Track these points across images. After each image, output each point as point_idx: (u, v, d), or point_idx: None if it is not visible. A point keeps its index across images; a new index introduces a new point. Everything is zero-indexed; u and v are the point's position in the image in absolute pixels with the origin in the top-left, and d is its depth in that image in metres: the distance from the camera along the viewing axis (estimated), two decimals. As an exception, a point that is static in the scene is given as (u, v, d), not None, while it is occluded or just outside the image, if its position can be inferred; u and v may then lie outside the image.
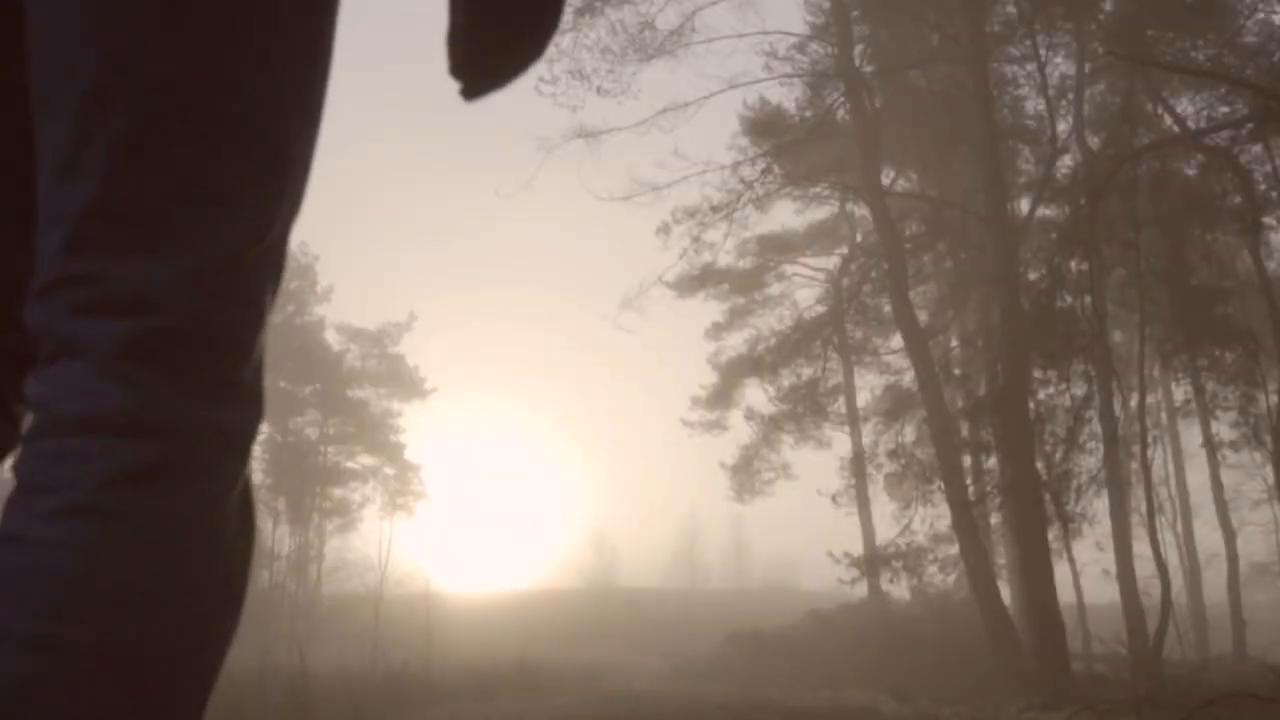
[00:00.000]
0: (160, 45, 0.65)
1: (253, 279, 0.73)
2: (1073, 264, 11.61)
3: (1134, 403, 12.98)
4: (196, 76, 0.66)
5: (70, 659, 0.60)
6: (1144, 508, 12.41)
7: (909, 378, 17.80)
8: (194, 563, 0.66)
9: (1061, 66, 16.16)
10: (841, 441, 22.58)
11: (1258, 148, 12.18)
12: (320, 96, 0.75)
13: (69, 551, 0.61)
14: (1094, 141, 15.01)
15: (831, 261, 23.59)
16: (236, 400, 0.69)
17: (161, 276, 0.66)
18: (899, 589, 18.40)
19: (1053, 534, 11.68)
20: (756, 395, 21.82)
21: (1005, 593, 15.94)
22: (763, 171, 16.02)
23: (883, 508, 19.74)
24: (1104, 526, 15.65)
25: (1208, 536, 26.70)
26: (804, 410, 20.42)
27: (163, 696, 0.65)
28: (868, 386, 23.12)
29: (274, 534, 31.38)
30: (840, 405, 22.55)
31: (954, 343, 18.40)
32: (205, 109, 0.67)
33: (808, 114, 16.96)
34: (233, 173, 0.68)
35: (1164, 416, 26.44)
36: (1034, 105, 17.00)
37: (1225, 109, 13.60)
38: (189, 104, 0.66)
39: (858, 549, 19.41)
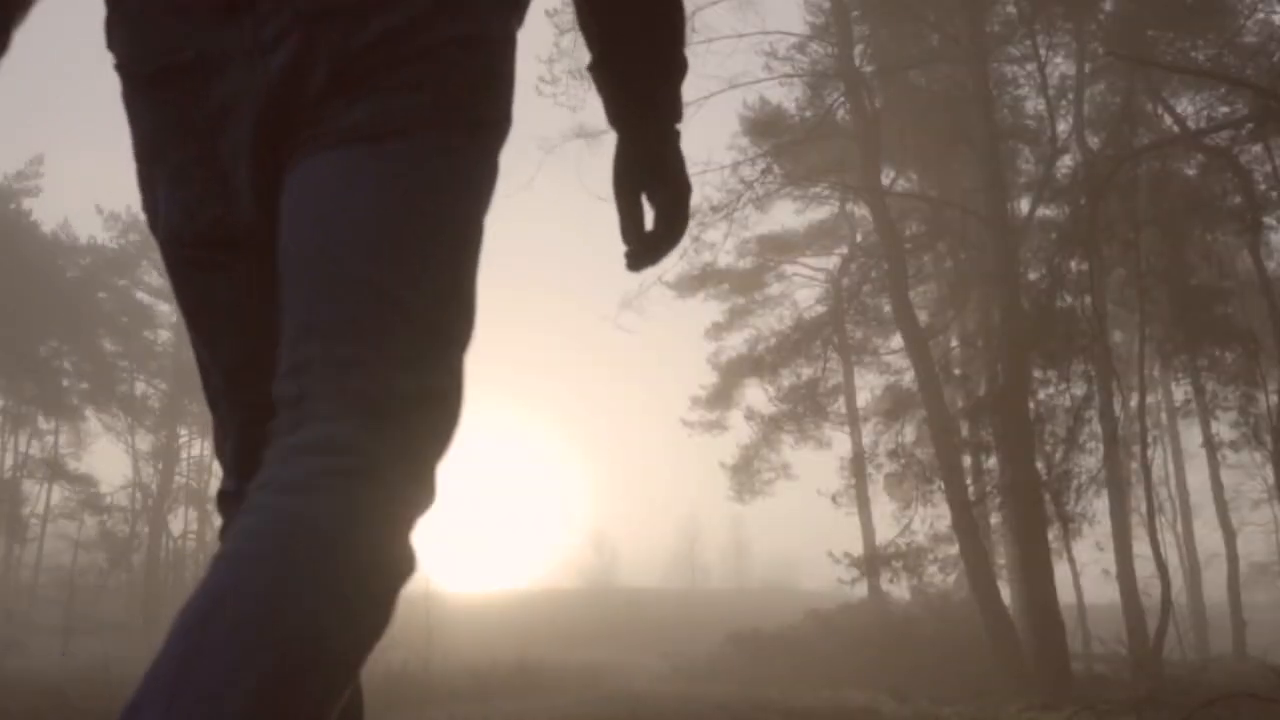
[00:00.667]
0: (411, 275, 0.89)
1: (460, 396, 0.92)
2: (1073, 264, 11.62)
3: (1134, 403, 12.98)
4: (431, 288, 0.92)
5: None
6: (1144, 508, 12.42)
7: (909, 378, 17.81)
8: (382, 549, 0.80)
9: (1061, 66, 16.18)
10: (841, 441, 22.59)
11: (1258, 148, 12.18)
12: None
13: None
14: (1094, 141, 15.02)
15: (831, 261, 23.60)
16: (431, 486, 0.86)
17: (410, 387, 0.86)
18: (899, 589, 18.41)
19: (1053, 534, 11.68)
20: (756, 395, 21.84)
21: (1005, 593, 15.94)
22: (763, 171, 16.02)
23: (883, 508, 19.75)
24: (1104, 526, 15.66)
25: (1208, 536, 26.72)
26: (804, 410, 20.41)
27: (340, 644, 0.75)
28: (868, 386, 23.14)
29: (274, 534, 31.29)
30: (840, 405, 22.56)
31: (954, 343, 18.40)
32: (437, 305, 0.92)
33: (808, 114, 16.96)
34: (459, 330, 0.94)
35: (1164, 416, 26.45)
36: (1034, 105, 17.02)
37: (1225, 109, 13.61)
38: (426, 304, 0.91)
39: (858, 549, 19.42)
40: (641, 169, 1.21)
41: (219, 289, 1.01)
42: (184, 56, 0.94)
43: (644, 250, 1.21)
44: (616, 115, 1.22)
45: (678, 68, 1.20)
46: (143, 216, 1.03)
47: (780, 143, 16.43)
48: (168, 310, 31.32)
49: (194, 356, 1.09)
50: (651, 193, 1.21)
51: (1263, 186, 12.29)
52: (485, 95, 0.98)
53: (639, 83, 1.19)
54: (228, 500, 1.09)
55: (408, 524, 0.83)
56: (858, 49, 16.18)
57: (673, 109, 1.21)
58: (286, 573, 0.73)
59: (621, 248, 1.19)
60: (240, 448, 1.05)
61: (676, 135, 1.21)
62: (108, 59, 1.09)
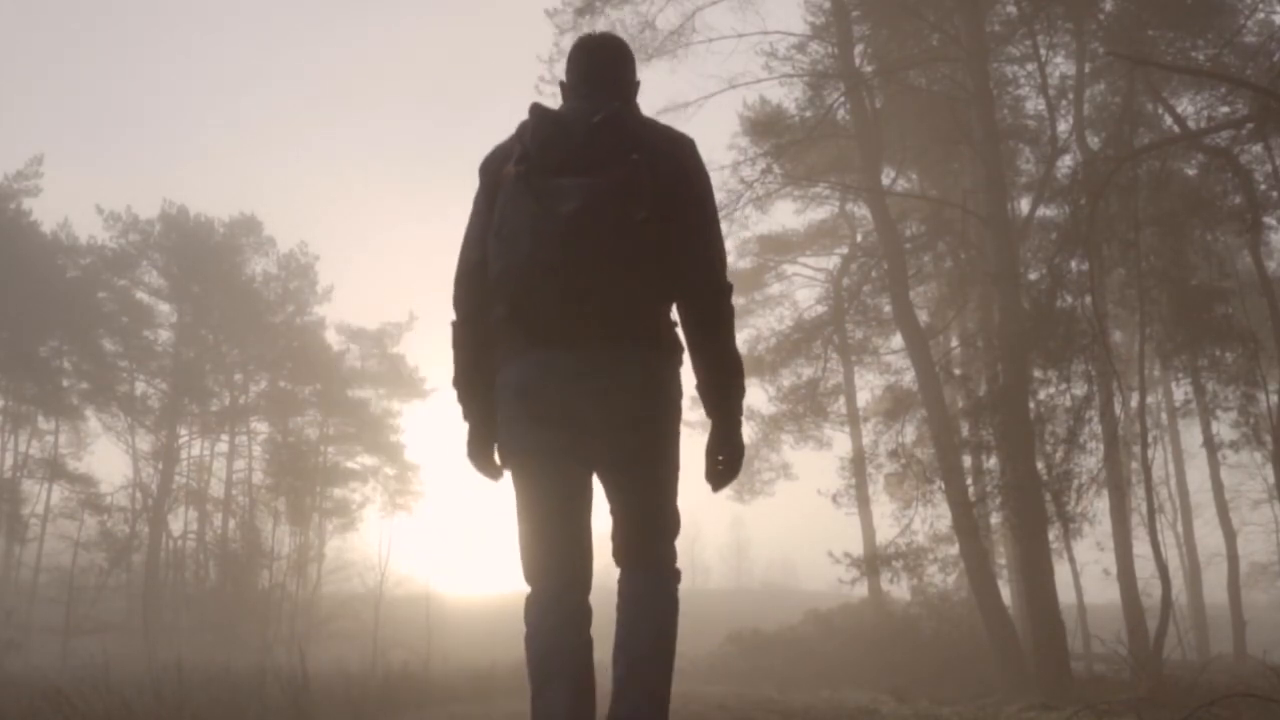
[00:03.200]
0: (665, 498, 2.50)
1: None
2: (1073, 264, 11.61)
3: (1134, 403, 12.99)
4: (669, 495, 2.51)
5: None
6: (1144, 508, 12.41)
7: (909, 378, 17.82)
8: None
9: (1061, 66, 16.18)
10: (841, 441, 22.61)
11: (1258, 148, 12.17)
12: None
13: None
14: (1094, 141, 15.03)
15: (831, 261, 23.64)
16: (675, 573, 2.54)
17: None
18: (899, 589, 18.41)
19: (1053, 534, 11.67)
20: (757, 395, 21.81)
21: (1005, 593, 15.94)
22: (763, 171, 15.99)
23: (883, 508, 19.75)
24: (1104, 526, 15.66)
25: (1208, 536, 26.72)
26: (804, 410, 20.43)
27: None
28: (868, 386, 23.16)
29: (274, 534, 31.39)
30: (840, 405, 22.58)
31: (954, 343, 18.38)
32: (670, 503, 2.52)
33: (808, 114, 16.95)
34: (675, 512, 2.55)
35: (1164, 416, 26.46)
36: (1034, 105, 17.04)
37: (1225, 109, 13.59)
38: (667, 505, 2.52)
39: (858, 549, 19.44)
40: (720, 439, 2.49)
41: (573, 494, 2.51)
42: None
43: (717, 480, 2.52)
44: (711, 415, 2.51)
45: (740, 399, 2.52)
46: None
47: (780, 143, 16.42)
48: (168, 310, 31.36)
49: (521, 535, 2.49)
50: (724, 452, 2.50)
51: (1263, 186, 12.29)
52: (678, 412, 2.50)
53: (723, 405, 2.49)
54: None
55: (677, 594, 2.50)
56: (858, 49, 16.19)
57: (737, 416, 2.51)
58: (668, 626, 2.45)
59: None
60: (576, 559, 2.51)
61: (740, 424, 2.51)
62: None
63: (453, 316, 2.48)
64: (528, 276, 2.26)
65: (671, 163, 2.40)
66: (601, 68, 2.61)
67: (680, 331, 2.48)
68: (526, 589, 2.42)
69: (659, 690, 2.37)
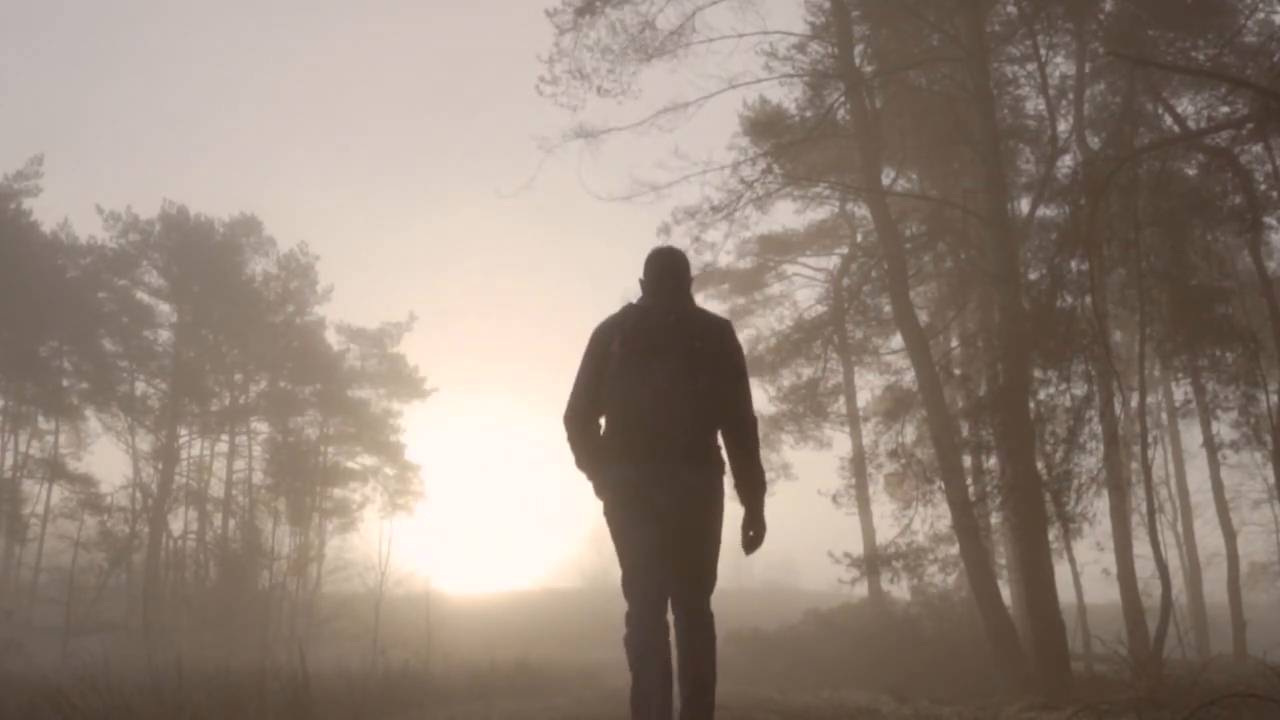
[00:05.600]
0: (711, 562, 3.86)
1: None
2: (1073, 264, 11.60)
3: (1134, 403, 13.00)
4: (712, 555, 3.86)
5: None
6: (1144, 508, 12.41)
7: (909, 378, 17.81)
8: None
9: (1061, 66, 16.17)
10: (842, 441, 22.58)
11: (1258, 148, 12.17)
12: None
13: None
14: (1094, 141, 15.02)
15: (831, 261, 23.62)
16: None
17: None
18: (899, 589, 18.41)
19: (1053, 534, 11.66)
20: (757, 395, 21.59)
21: (1005, 593, 15.94)
22: (763, 171, 15.97)
23: (883, 508, 19.70)
24: (1104, 526, 15.65)
25: (1208, 536, 26.71)
26: (804, 410, 20.40)
27: None
28: (868, 386, 23.15)
29: (274, 534, 31.37)
30: (840, 405, 22.56)
31: (954, 343, 18.38)
32: (714, 566, 3.88)
33: (808, 114, 16.95)
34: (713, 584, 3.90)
35: (1164, 416, 26.46)
36: (1034, 105, 17.03)
37: (1225, 109, 13.58)
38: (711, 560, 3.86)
39: (858, 549, 19.43)
40: (750, 519, 3.89)
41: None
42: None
43: (748, 547, 3.93)
44: (744, 504, 3.92)
45: (763, 493, 3.93)
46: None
47: (780, 143, 16.41)
48: (168, 310, 31.34)
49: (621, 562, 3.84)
50: (753, 528, 3.90)
51: (1263, 186, 12.29)
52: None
53: (752, 498, 3.91)
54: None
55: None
56: (858, 49, 16.18)
57: (761, 504, 3.91)
58: (713, 649, 3.75)
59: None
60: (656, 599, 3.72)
61: (763, 508, 3.91)
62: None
63: (566, 432, 3.94)
64: (633, 425, 3.76)
65: (717, 345, 3.86)
66: (671, 276, 4.02)
67: (723, 450, 3.90)
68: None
69: (710, 707, 3.74)
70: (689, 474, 3.73)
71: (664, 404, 3.70)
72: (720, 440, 3.87)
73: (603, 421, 3.88)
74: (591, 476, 3.91)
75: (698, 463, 3.76)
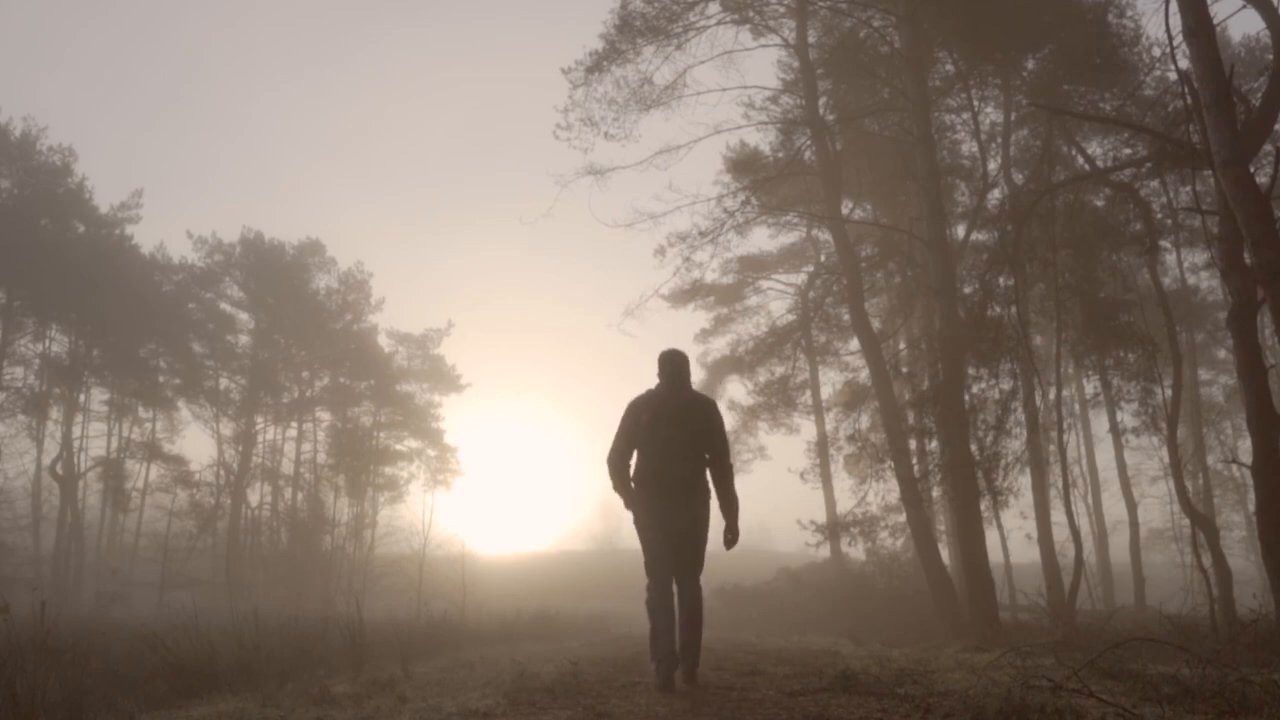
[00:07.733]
0: (701, 552, 4.88)
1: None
2: (1001, 280, 11.59)
3: (1052, 395, 12.97)
4: (701, 550, 4.88)
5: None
6: (1060, 483, 12.39)
7: (864, 375, 17.80)
8: None
9: (991, 115, 16.17)
10: (808, 428, 22.55)
11: (1155, 183, 12.18)
12: None
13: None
14: (1019, 177, 15.00)
15: (800, 278, 23.59)
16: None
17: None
18: (856, 551, 18.41)
19: (984, 505, 11.65)
20: (737, 389, 21.81)
21: (945, 554, 15.91)
22: (742, 203, 15.96)
23: (842, 483, 19.71)
24: (1027, 499, 15.66)
25: (1113, 506, 26.74)
26: (777, 402, 20.39)
27: None
28: (830, 382, 23.14)
29: (335, 505, 31.36)
30: (807, 398, 22.54)
31: (902, 345, 18.37)
32: (703, 554, 4.89)
33: (780, 155, 16.93)
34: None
35: (1077, 407, 26.43)
36: (968, 147, 17.02)
37: (1128, 151, 13.59)
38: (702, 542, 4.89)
39: (822, 517, 19.41)
40: (729, 529, 4.85)
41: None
42: None
43: (728, 546, 4.84)
44: (726, 519, 4.86)
45: (737, 512, 4.89)
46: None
47: (757, 179, 16.40)
48: (246, 318, 31.34)
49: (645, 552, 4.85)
50: (731, 534, 4.85)
51: (1160, 215, 12.28)
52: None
53: (730, 516, 4.87)
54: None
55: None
56: (822, 100, 16.17)
57: (736, 518, 4.88)
58: (701, 606, 4.79)
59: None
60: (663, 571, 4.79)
61: (737, 520, 4.89)
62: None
63: (609, 468, 4.85)
64: (653, 467, 4.77)
65: (709, 421, 4.86)
66: (677, 372, 4.96)
67: (710, 484, 4.83)
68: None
69: (699, 644, 4.76)
70: (688, 500, 4.73)
71: (672, 455, 4.73)
72: (709, 478, 4.83)
73: (633, 464, 4.84)
74: (625, 498, 4.84)
75: (693, 493, 4.75)
